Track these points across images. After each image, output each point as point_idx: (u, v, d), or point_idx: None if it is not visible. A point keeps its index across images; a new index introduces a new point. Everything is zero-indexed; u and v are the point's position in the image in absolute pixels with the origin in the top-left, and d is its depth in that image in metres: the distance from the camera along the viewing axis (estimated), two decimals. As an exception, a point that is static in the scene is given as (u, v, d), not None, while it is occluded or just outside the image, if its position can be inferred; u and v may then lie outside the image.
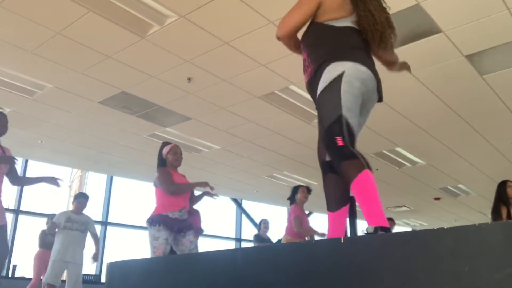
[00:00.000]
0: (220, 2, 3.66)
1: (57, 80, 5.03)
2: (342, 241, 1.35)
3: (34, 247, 6.37)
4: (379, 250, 1.26)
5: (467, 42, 4.19)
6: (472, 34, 4.04)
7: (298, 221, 5.01)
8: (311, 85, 1.96)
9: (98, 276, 8.25)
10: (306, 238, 5.12)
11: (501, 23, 3.86)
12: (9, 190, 7.98)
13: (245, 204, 11.70)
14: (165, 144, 3.97)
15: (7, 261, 7.29)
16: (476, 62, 4.51)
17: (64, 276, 5.29)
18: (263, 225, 6.94)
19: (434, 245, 1.15)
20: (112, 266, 2.08)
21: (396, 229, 12.14)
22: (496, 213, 4.52)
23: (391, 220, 7.70)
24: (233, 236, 11.50)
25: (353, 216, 11.70)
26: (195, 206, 5.02)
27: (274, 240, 7.05)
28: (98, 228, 8.86)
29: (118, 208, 9.34)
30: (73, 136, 6.66)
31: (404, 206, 11.36)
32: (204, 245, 9.69)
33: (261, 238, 6.85)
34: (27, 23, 3.94)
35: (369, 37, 1.93)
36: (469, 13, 3.77)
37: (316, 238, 5.02)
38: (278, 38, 1.98)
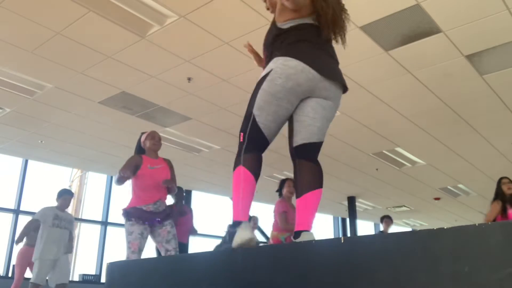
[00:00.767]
0: (220, 2, 3.66)
1: (57, 80, 5.03)
2: (342, 241, 1.35)
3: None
4: (379, 250, 1.26)
5: (467, 42, 4.19)
6: (472, 34, 4.04)
7: (283, 217, 4.96)
8: None
9: (98, 276, 8.25)
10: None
11: (501, 23, 3.86)
12: (9, 190, 8.01)
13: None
14: (143, 133, 3.90)
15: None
16: (476, 62, 4.51)
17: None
18: (252, 222, 6.90)
19: (434, 245, 1.15)
20: (112, 266, 2.08)
21: (396, 229, 12.16)
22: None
23: (388, 218, 7.65)
24: (233, 236, 11.48)
25: (353, 216, 11.73)
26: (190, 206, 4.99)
27: (259, 237, 6.95)
28: (98, 228, 8.91)
29: (118, 208, 9.34)
30: (73, 136, 6.66)
31: (404, 206, 11.37)
32: (204, 245, 9.71)
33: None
34: (27, 23, 3.94)
35: (322, 25, 1.91)
36: (469, 13, 3.78)
37: None
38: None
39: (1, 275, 7.40)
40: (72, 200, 5.34)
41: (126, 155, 7.48)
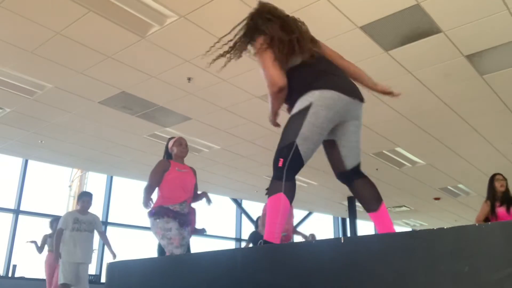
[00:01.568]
0: (220, 2, 3.66)
1: (57, 80, 5.03)
2: (342, 241, 1.35)
3: (34, 248, 6.31)
4: (379, 250, 1.26)
5: (467, 42, 4.19)
6: (472, 34, 4.04)
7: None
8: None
9: (98, 276, 8.25)
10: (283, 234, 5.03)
11: (501, 23, 3.86)
12: (9, 190, 8.01)
13: (245, 204, 11.70)
14: (171, 138, 3.95)
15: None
16: (476, 62, 4.51)
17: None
18: (260, 223, 6.90)
19: (434, 245, 1.15)
20: (112, 266, 2.08)
21: (396, 229, 12.12)
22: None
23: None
24: (233, 236, 11.50)
25: (353, 216, 11.76)
26: (193, 205, 5.00)
27: None
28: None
29: (118, 208, 9.34)
30: (73, 136, 6.66)
31: (404, 206, 11.36)
32: (204, 245, 9.70)
33: (259, 235, 6.83)
34: (27, 23, 3.94)
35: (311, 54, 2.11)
36: (469, 13, 3.77)
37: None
38: (280, 90, 2.08)
39: (1, 275, 7.40)
40: (90, 201, 5.42)
41: (126, 155, 7.53)
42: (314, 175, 8.68)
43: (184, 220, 3.57)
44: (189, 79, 4.95)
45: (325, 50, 2.27)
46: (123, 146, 7.12)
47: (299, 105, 1.99)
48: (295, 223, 12.69)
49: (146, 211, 3.57)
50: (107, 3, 3.68)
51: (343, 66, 2.22)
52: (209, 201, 3.96)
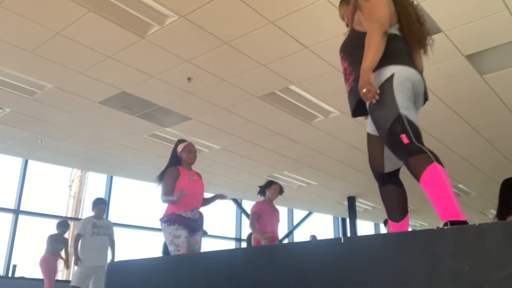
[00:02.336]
0: (220, 2, 3.66)
1: (57, 80, 5.03)
2: (342, 241, 1.35)
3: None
4: (379, 250, 1.26)
5: (467, 42, 4.19)
6: (472, 34, 4.03)
7: (254, 218, 4.98)
8: (353, 94, 1.94)
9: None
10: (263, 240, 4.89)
11: (501, 23, 3.86)
12: (9, 190, 8.00)
13: (245, 204, 11.70)
14: (180, 141, 3.96)
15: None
16: (476, 62, 4.51)
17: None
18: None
19: (434, 245, 1.15)
20: (112, 266, 2.08)
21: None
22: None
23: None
24: (233, 236, 11.50)
25: (353, 216, 11.75)
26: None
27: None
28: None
29: (118, 208, 9.35)
30: (73, 136, 6.66)
31: (404, 206, 11.34)
32: (204, 245, 9.70)
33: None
34: (27, 23, 3.94)
35: (408, 38, 1.99)
36: (469, 13, 3.77)
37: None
38: (385, 33, 1.86)
39: (1, 275, 7.40)
40: (105, 207, 5.73)
41: (126, 155, 7.52)
42: (314, 175, 8.69)
43: (196, 226, 3.72)
44: (189, 79, 4.95)
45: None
46: (123, 146, 7.12)
47: (377, 80, 1.80)
48: (295, 223, 12.71)
49: (161, 215, 3.70)
50: (107, 3, 3.68)
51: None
52: (224, 197, 4.12)
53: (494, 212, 4.56)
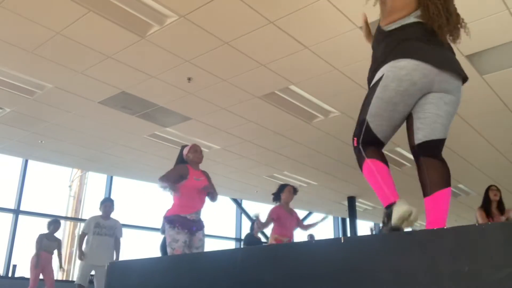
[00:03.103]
0: (220, 2, 3.66)
1: (57, 80, 5.03)
2: (342, 241, 1.35)
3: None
4: (379, 250, 1.26)
5: (467, 42, 4.17)
6: (472, 34, 4.02)
7: (267, 222, 5.10)
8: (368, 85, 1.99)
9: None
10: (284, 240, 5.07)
11: (501, 23, 3.86)
12: (9, 190, 8.00)
13: (245, 204, 11.70)
14: (183, 146, 4.10)
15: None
16: (476, 62, 4.51)
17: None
18: (256, 226, 6.95)
19: (434, 245, 1.15)
20: (112, 266, 2.09)
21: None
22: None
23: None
24: (233, 236, 11.50)
25: (353, 216, 11.74)
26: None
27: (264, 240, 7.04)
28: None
29: (118, 208, 9.33)
30: (73, 136, 6.66)
31: (404, 206, 11.34)
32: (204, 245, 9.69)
33: (252, 238, 6.90)
34: (27, 23, 3.94)
35: (434, 26, 1.88)
36: (469, 13, 3.76)
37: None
38: None
39: (1, 275, 7.40)
40: (112, 206, 5.70)
41: (126, 155, 7.52)
42: (314, 175, 8.69)
43: (199, 225, 3.80)
44: (189, 79, 4.95)
45: None
46: (123, 146, 7.12)
47: (373, 80, 1.85)
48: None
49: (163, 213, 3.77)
50: (107, 3, 3.68)
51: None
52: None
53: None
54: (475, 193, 9.80)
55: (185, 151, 3.99)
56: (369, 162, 1.81)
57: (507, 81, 4.89)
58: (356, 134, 1.86)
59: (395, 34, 1.87)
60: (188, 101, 5.51)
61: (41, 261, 6.17)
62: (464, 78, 1.87)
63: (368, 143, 1.84)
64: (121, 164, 8.05)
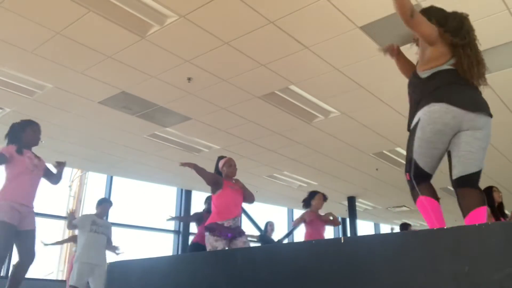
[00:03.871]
0: (220, 2, 3.66)
1: (57, 80, 5.03)
2: (342, 241, 1.35)
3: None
4: (379, 250, 1.26)
5: (467, 42, 4.18)
6: (472, 34, 4.03)
7: (299, 220, 5.40)
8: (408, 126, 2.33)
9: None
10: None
11: (501, 23, 3.86)
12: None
13: (245, 204, 11.69)
14: (220, 158, 4.36)
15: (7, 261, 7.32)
16: (476, 62, 4.50)
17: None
18: (269, 227, 7.19)
19: (434, 245, 1.15)
20: (112, 266, 2.09)
21: (397, 229, 12.15)
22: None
23: (408, 225, 8.10)
24: (233, 236, 11.49)
25: (353, 216, 11.72)
26: None
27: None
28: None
29: (118, 208, 9.33)
30: (73, 136, 6.66)
31: (404, 206, 11.36)
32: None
33: (266, 239, 7.03)
34: (27, 23, 3.94)
35: (466, 76, 2.17)
36: (469, 13, 3.77)
37: None
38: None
39: (1, 275, 7.39)
40: (109, 208, 5.71)
41: (126, 155, 7.52)
42: (314, 175, 8.69)
43: (238, 232, 4.02)
44: (189, 79, 4.95)
45: None
46: (123, 146, 7.12)
47: (413, 121, 2.19)
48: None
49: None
50: (107, 3, 3.68)
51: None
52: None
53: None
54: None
55: (220, 163, 4.27)
56: (422, 199, 2.13)
57: (507, 81, 4.89)
58: (407, 170, 2.21)
59: (430, 81, 2.17)
60: (188, 101, 5.51)
61: None
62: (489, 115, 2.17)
63: (419, 177, 2.18)
64: (121, 164, 8.05)
